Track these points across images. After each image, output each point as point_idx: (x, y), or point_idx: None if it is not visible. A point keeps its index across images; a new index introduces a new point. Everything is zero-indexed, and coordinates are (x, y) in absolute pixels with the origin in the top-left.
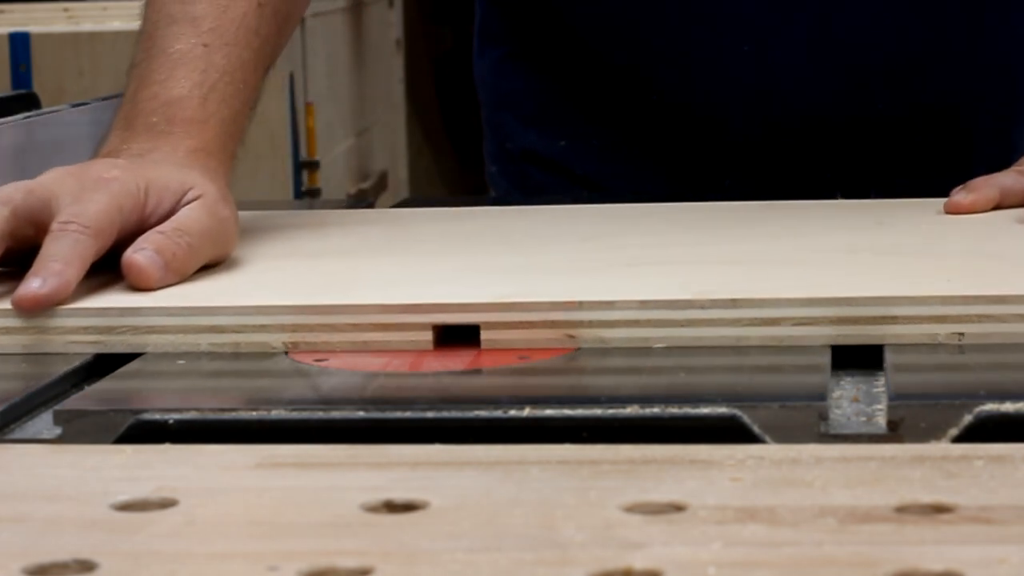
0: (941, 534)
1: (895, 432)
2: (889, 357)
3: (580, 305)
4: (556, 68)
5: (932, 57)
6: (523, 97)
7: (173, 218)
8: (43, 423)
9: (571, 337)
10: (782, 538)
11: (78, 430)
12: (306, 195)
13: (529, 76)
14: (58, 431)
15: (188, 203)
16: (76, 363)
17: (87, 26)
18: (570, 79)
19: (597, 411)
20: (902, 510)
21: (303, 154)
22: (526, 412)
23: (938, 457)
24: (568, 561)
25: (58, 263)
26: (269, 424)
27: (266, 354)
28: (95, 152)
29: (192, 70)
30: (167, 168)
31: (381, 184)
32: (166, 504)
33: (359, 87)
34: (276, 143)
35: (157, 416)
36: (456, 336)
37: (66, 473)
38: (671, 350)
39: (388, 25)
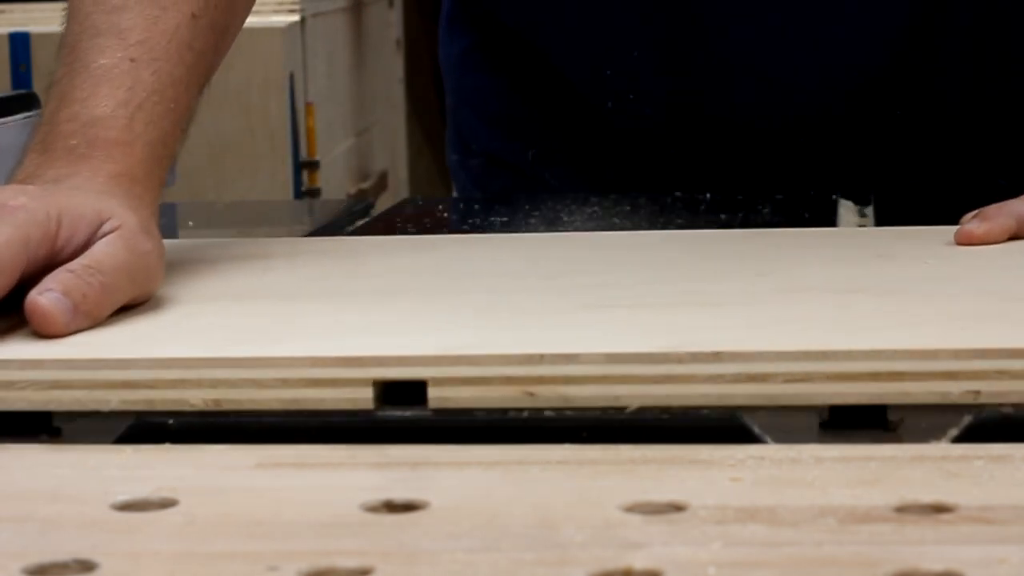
0: (941, 534)
1: (895, 432)
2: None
3: (541, 358)
4: (521, 71)
5: (933, 63)
6: (488, 95)
7: (85, 253)
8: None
9: (530, 395)
10: (782, 538)
11: (78, 430)
12: (306, 195)
13: (493, 75)
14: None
15: (104, 235)
16: None
17: None
18: (535, 84)
19: (597, 411)
20: (902, 510)
21: (303, 154)
22: (526, 412)
23: (938, 457)
24: (568, 561)
25: None
26: (269, 424)
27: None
28: (8, 179)
29: (117, 87)
30: (84, 195)
31: (381, 184)
32: (166, 504)
33: (359, 87)
34: (276, 143)
35: (157, 416)
36: (402, 393)
37: (66, 473)
38: (645, 410)
39: (388, 25)
